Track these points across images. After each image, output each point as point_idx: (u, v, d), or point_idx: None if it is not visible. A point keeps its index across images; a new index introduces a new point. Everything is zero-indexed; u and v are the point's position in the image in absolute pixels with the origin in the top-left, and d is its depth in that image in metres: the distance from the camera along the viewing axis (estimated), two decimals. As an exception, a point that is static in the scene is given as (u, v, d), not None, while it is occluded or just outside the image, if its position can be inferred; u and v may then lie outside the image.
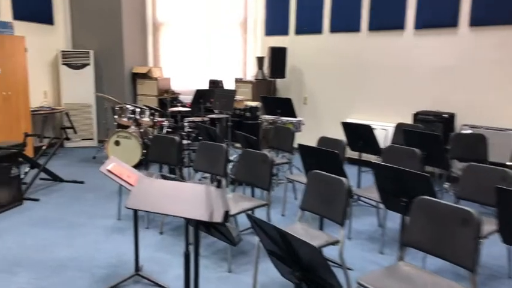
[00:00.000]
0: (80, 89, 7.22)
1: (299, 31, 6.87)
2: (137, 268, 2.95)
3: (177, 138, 4.04)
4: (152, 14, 7.97)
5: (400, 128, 4.84)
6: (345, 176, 2.92)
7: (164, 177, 2.48)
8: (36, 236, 3.64)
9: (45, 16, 6.96)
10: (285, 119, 5.27)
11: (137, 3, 7.67)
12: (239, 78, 7.40)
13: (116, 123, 6.55)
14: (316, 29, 6.64)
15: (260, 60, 7.08)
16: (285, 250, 1.67)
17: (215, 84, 7.52)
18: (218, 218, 1.78)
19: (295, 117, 5.10)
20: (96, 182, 5.26)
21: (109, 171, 2.59)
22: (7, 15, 6.24)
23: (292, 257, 1.66)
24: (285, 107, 5.06)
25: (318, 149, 3.41)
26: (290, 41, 6.99)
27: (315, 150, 3.40)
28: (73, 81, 7.17)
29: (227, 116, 5.45)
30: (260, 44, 7.39)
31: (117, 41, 7.32)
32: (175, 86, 8.08)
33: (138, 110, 6.07)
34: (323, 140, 4.20)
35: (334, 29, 6.45)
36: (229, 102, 5.36)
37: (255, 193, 3.95)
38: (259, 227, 1.73)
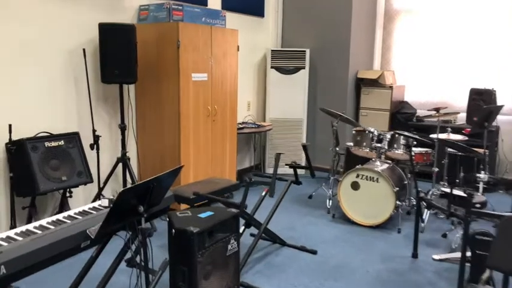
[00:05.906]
0: (290, 99, 5.51)
1: None
2: None
3: None
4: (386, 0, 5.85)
5: None
6: None
7: None
8: None
9: (255, 5, 5.42)
10: None
11: (368, -16, 5.64)
12: (529, 88, 4.76)
13: (343, 153, 4.62)
14: None
15: None
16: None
17: (482, 95, 5.03)
18: None
19: None
20: (332, 254, 3.34)
21: None
22: (215, 2, 4.81)
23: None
24: None
25: None
26: None
27: None
28: (282, 90, 5.49)
29: None
30: None
31: (342, 37, 5.39)
32: (409, 97, 5.83)
33: (388, 137, 4.01)
34: None
35: None
36: None
37: None
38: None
